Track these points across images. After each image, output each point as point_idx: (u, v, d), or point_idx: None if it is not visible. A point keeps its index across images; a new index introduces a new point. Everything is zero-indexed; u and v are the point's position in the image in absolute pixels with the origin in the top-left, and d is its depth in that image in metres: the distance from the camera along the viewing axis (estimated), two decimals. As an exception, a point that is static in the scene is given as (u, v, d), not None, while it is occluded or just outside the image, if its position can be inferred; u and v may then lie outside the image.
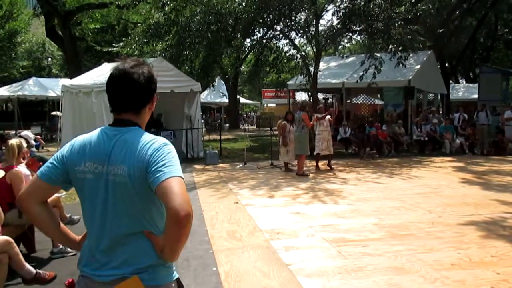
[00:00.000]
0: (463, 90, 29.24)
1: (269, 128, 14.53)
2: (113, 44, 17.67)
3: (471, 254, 4.50)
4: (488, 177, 9.47)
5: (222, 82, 28.54)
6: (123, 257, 1.58)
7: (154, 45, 15.78)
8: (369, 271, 4.05)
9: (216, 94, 29.11)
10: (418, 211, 6.37)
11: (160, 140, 1.62)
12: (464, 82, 34.13)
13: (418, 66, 16.09)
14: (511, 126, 14.16)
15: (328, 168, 10.71)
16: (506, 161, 12.16)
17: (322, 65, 16.66)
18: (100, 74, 13.18)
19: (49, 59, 36.69)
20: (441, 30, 20.84)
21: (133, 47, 14.87)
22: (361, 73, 13.96)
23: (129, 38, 15.61)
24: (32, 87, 22.21)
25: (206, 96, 28.38)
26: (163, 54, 14.66)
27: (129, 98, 1.67)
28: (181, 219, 1.42)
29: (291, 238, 5.14)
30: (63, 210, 5.42)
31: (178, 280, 1.72)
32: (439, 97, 20.34)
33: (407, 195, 7.47)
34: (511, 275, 3.92)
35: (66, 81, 15.50)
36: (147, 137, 1.63)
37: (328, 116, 10.81)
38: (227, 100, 29.03)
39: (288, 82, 18.72)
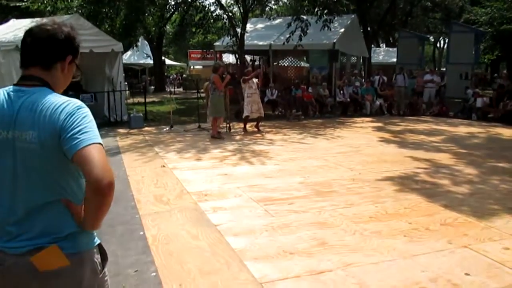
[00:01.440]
0: (383, 54, 30.60)
1: (196, 91, 14.26)
2: (22, -2, 16.16)
3: (387, 207, 4.83)
4: (403, 136, 10.14)
5: (146, 42, 27.31)
6: (39, 227, 1.47)
7: (69, 0, 14.62)
8: (295, 227, 4.20)
9: (140, 55, 27.85)
10: (340, 169, 6.68)
11: (73, 102, 1.47)
12: (384, 46, 35.69)
13: (343, 30, 16.51)
14: (429, 88, 15.11)
15: (256, 129, 10.82)
16: (420, 121, 13.06)
17: (249, 27, 16.53)
18: (8, 31, 12.00)
19: None
20: (364, -6, 21.40)
21: (44, 1, 13.68)
22: (288, 35, 14.06)
23: (41, -9, 14.32)
24: None
25: (129, 57, 27.02)
26: (80, 11, 13.67)
27: (38, 49, 1.52)
28: (103, 188, 1.34)
29: (219, 199, 5.17)
30: None
31: (100, 245, 1.64)
32: (361, 60, 21.13)
33: (330, 155, 7.78)
34: (421, 224, 4.27)
35: (-32, 39, 13.97)
36: (58, 98, 1.48)
37: (256, 80, 10.79)
38: (151, 62, 27.95)
39: (214, 44, 18.40)
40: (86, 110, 1.49)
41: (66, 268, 1.47)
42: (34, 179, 1.46)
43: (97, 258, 1.60)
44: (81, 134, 1.40)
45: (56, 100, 1.47)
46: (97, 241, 1.63)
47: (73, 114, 1.44)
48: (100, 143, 1.42)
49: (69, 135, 1.40)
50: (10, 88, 1.52)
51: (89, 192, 1.39)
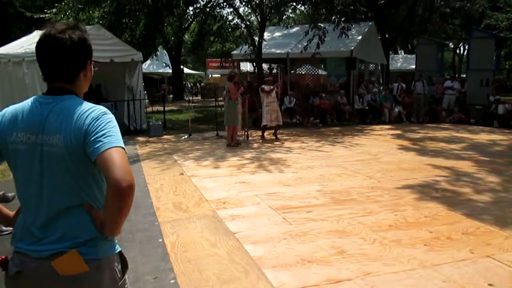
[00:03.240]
0: (402, 61, 30.38)
1: (214, 99, 14.37)
2: (45, 10, 16.52)
3: (406, 215, 4.77)
4: (423, 143, 10.01)
5: (165, 52, 27.67)
6: (61, 231, 1.50)
7: (90, 11, 14.97)
8: (313, 235, 4.18)
9: (158, 64, 28.21)
10: (359, 177, 6.62)
11: (99, 109, 1.53)
12: (403, 53, 35.42)
13: (360, 37, 16.44)
14: (448, 95, 14.91)
15: (274, 137, 10.83)
16: (440, 128, 12.88)
17: (266, 35, 16.61)
18: (31, 42, 12.29)
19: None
20: (382, 1, 21.32)
21: (67, 13, 14.03)
22: (305, 43, 14.07)
23: (63, 3, 14.66)
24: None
25: (148, 66, 27.41)
26: (101, 22, 13.93)
27: (58, 65, 1.55)
28: (123, 190, 1.37)
29: (237, 207, 5.18)
30: None
31: (120, 253, 1.66)
32: (379, 68, 20.99)
33: (348, 162, 7.73)
34: (442, 233, 4.20)
35: (-6, 50, 14.39)
36: (85, 105, 1.53)
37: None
38: (170, 71, 28.28)
39: (232, 52, 18.52)
40: (111, 116, 1.54)
41: (85, 274, 1.49)
42: (58, 183, 1.50)
43: (117, 265, 1.62)
44: (105, 137, 1.44)
45: (83, 106, 1.52)
46: (117, 248, 1.65)
47: (98, 118, 1.48)
48: (122, 147, 1.46)
49: (93, 138, 1.44)
50: (40, 96, 1.57)
51: (110, 194, 1.41)
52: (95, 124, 1.47)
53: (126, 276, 1.67)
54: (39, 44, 1.56)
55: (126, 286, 1.67)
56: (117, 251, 1.64)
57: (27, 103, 1.58)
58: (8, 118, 1.56)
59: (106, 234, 1.53)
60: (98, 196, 1.57)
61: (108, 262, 1.58)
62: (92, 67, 1.67)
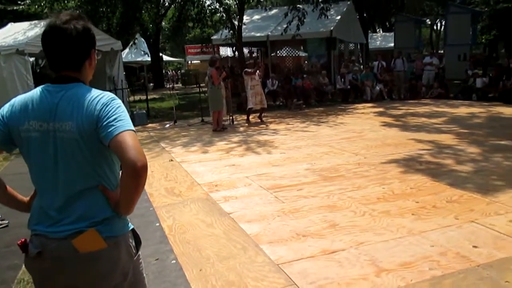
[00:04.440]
0: (381, 39, 30.56)
1: (195, 85, 14.34)
2: (18, 2, 16.15)
3: (393, 188, 4.96)
4: (405, 119, 10.24)
5: (143, 40, 27.28)
6: (78, 212, 1.59)
7: (65, 1, 14.66)
8: (305, 211, 4.33)
9: (137, 53, 27.82)
10: (345, 154, 6.79)
11: (108, 95, 1.61)
12: (381, 31, 35.60)
13: (339, 17, 16.52)
14: (428, 70, 15.16)
15: (259, 120, 10.92)
16: (421, 104, 13.15)
17: (245, 19, 16.54)
18: (7, 35, 12.07)
19: None
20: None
21: (42, 4, 13.74)
22: (285, 26, 14.09)
23: (37, -6, 14.36)
24: None
25: (126, 55, 26.98)
26: (77, 12, 13.70)
27: (65, 55, 1.61)
28: (138, 170, 1.45)
29: (229, 189, 5.30)
30: None
31: (133, 230, 1.76)
32: (358, 47, 21.14)
33: (334, 141, 7.90)
34: (428, 202, 4.40)
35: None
36: (94, 92, 1.61)
37: (258, 71, 10.84)
38: (149, 59, 27.95)
39: (212, 37, 18.43)
40: (119, 101, 1.62)
41: (103, 250, 1.59)
42: (73, 167, 1.58)
43: (131, 242, 1.72)
44: (116, 121, 1.52)
45: (92, 93, 1.60)
46: (130, 226, 1.75)
47: (108, 104, 1.56)
48: (133, 130, 1.54)
49: (105, 123, 1.52)
50: (49, 85, 1.64)
51: (125, 174, 1.49)
52: (106, 109, 1.55)
53: (140, 252, 1.77)
54: (45, 34, 1.62)
55: (140, 260, 1.79)
56: (131, 228, 1.75)
57: (36, 92, 1.64)
58: (18, 108, 1.62)
59: (121, 212, 1.63)
60: (110, 177, 1.65)
61: (124, 239, 1.68)
62: (96, 55, 1.75)
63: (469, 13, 17.33)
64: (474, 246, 3.36)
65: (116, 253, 1.63)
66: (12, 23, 13.79)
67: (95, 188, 1.61)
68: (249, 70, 10.61)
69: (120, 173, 1.60)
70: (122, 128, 1.51)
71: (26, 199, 1.76)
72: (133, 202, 1.58)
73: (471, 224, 3.80)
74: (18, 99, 1.65)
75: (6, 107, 1.64)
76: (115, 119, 1.53)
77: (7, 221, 4.50)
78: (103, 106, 1.55)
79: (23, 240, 1.66)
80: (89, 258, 1.58)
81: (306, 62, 18.31)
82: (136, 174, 1.47)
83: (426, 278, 2.94)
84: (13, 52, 10.49)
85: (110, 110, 1.55)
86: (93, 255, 1.58)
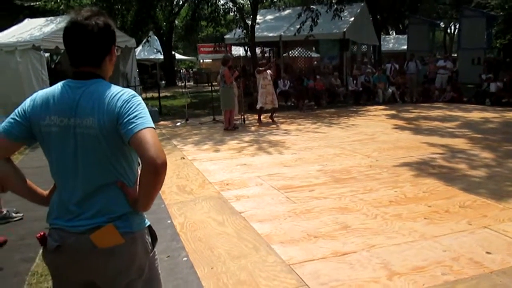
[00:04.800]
0: (393, 41, 30.40)
1: (207, 84, 14.38)
2: (35, -2, 16.38)
3: (406, 191, 4.93)
4: (417, 122, 10.17)
5: (156, 37, 27.45)
6: (96, 208, 1.60)
7: (81, -1, 14.85)
8: (317, 212, 4.33)
9: (150, 51, 28.01)
10: (357, 156, 6.77)
11: (128, 92, 1.62)
12: (394, 33, 35.39)
13: (352, 18, 16.45)
14: (441, 74, 15.04)
15: (270, 120, 10.92)
16: (433, 108, 13.05)
17: (258, 18, 16.56)
18: (24, 31, 12.22)
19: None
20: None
21: (58, 1, 13.88)
22: (298, 26, 14.07)
23: (53, -10, 14.52)
24: None
25: (139, 52, 27.16)
26: (93, 9, 13.83)
27: (85, 51, 1.63)
28: (158, 167, 1.47)
29: (240, 188, 5.31)
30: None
31: (149, 226, 1.78)
32: (371, 49, 21.03)
33: (346, 142, 7.87)
34: (440, 207, 4.37)
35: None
36: (114, 88, 1.62)
37: (269, 71, 10.84)
38: (162, 57, 28.11)
39: (225, 36, 18.46)
40: (140, 98, 1.63)
41: (121, 245, 1.60)
42: (92, 162, 1.60)
43: (148, 238, 1.74)
44: (137, 119, 1.53)
45: (113, 90, 1.61)
46: (147, 222, 1.77)
47: (129, 101, 1.57)
48: (153, 127, 1.56)
49: (126, 119, 1.53)
50: (70, 81, 1.65)
51: (145, 171, 1.51)
52: (127, 106, 1.56)
53: (155, 249, 1.79)
54: (67, 31, 1.63)
55: (156, 257, 1.80)
56: (147, 225, 1.76)
57: (57, 87, 1.66)
58: (40, 103, 1.64)
59: (139, 209, 1.64)
60: (129, 174, 1.67)
61: (141, 235, 1.69)
62: (115, 51, 1.76)
63: (484, 17, 17.19)
64: (488, 252, 3.33)
65: (133, 248, 1.64)
66: (29, 19, 13.96)
67: (113, 184, 1.63)
68: (261, 68, 10.65)
69: (139, 170, 1.62)
70: (143, 126, 1.52)
71: (45, 192, 1.78)
72: (152, 198, 1.60)
73: (484, 230, 3.77)
74: (40, 94, 1.67)
75: (28, 102, 1.66)
76: (135, 116, 1.54)
77: (21, 214, 4.56)
78: (124, 103, 1.56)
79: (42, 233, 1.68)
80: (106, 253, 1.60)
81: (315, 63, 18.22)
82: (156, 171, 1.48)
83: (439, 283, 2.92)
84: (29, 48, 10.61)
85: (131, 107, 1.56)
86: (110, 250, 1.59)
